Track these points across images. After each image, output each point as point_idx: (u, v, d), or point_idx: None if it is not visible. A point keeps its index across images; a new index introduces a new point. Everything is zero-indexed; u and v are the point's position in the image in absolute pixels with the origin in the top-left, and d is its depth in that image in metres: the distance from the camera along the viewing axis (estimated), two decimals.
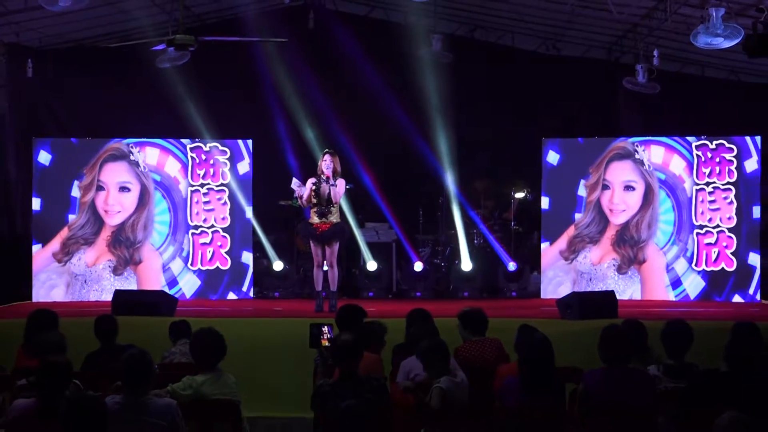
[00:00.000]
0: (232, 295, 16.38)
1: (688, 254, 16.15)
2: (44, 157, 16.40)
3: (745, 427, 5.58)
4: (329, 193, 13.54)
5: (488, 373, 8.88)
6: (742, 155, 15.98)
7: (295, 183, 13.75)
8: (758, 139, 16.05)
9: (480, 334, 9.65)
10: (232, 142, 16.51)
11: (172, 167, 16.44)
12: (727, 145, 16.06)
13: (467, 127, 17.65)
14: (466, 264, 16.99)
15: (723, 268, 16.05)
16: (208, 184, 16.39)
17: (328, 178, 13.56)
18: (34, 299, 16.00)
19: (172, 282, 16.29)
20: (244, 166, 16.41)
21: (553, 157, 16.46)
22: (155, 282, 16.16)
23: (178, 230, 16.40)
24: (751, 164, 15.95)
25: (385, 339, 9.65)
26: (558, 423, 7.82)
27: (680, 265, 16.19)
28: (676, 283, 16.18)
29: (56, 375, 7.34)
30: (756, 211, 15.96)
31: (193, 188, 16.40)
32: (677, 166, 16.21)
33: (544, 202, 16.50)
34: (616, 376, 7.92)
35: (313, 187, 13.56)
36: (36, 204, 16.41)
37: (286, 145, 17.64)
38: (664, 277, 16.22)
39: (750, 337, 8.94)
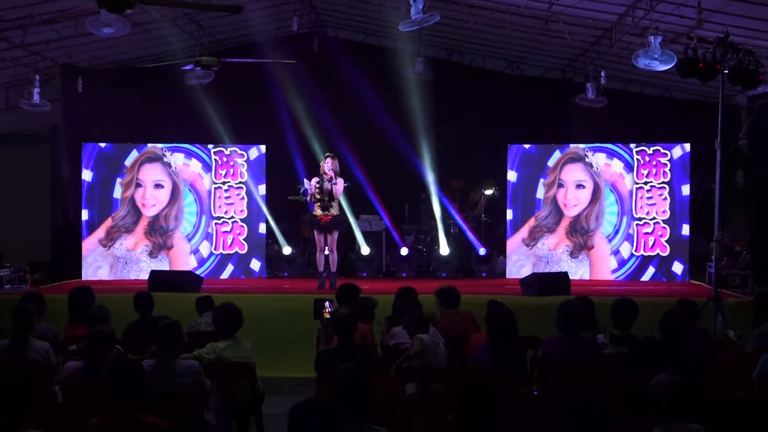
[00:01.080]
0: (248, 275, 16.34)
1: (629, 242, 16.16)
2: (92, 160, 16.38)
3: (676, 386, 5.57)
4: (331, 190, 13.54)
5: (462, 341, 8.88)
6: (673, 158, 16.04)
7: (306, 183, 13.79)
8: (687, 145, 16.08)
9: (453, 307, 9.64)
10: (248, 146, 16.48)
11: (199, 167, 16.41)
12: (662, 150, 16.10)
13: (445, 134, 17.60)
14: (444, 249, 16.98)
15: (658, 253, 16.08)
16: (229, 182, 16.38)
17: (330, 178, 13.56)
18: (83, 278, 15.97)
19: (199, 263, 16.27)
20: (260, 166, 16.40)
21: (520, 151, 16.46)
22: (184, 264, 16.15)
23: (203, 220, 16.37)
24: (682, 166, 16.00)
25: (375, 312, 9.64)
26: (520, 382, 7.83)
27: (622, 251, 16.20)
28: (619, 266, 16.19)
29: (101, 341, 7.35)
30: (685, 228, 16.01)
31: (215, 185, 16.38)
32: (620, 168, 16.22)
33: (511, 176, 16.45)
34: (570, 343, 7.93)
35: (317, 186, 13.56)
36: (88, 186, 16.47)
37: (294, 149, 17.61)
38: (609, 261, 16.24)
39: (685, 312, 8.98)
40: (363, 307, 9.20)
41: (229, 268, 16.36)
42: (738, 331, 9.97)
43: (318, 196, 13.63)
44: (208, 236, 16.35)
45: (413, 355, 7.97)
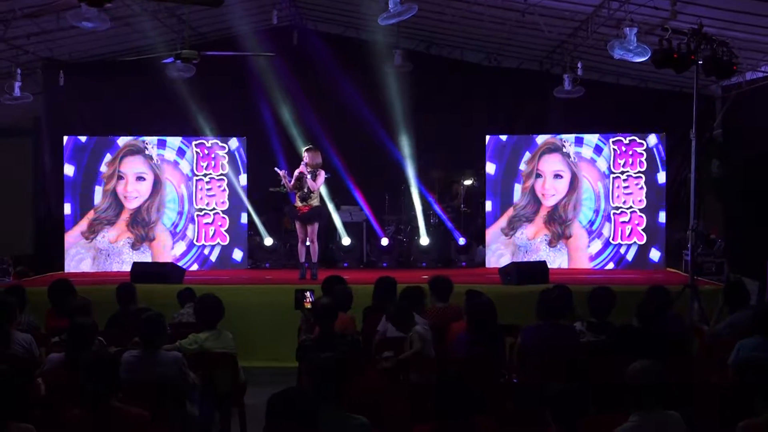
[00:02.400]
0: (230, 266, 16.30)
1: (606, 230, 16.19)
2: (74, 153, 16.28)
3: (652, 372, 5.58)
4: (307, 183, 13.51)
5: (443, 329, 8.87)
6: (649, 147, 16.06)
7: (279, 171, 13.78)
8: (662, 134, 16.12)
9: (444, 300, 9.60)
10: (229, 138, 16.42)
11: (180, 159, 16.33)
12: (638, 140, 16.12)
13: (424, 125, 17.59)
14: (424, 239, 16.98)
15: (635, 242, 16.11)
16: (210, 174, 16.30)
17: (312, 171, 13.52)
18: (66, 270, 15.89)
19: (181, 255, 16.20)
20: (240, 158, 16.35)
21: (497, 142, 16.45)
22: (166, 255, 16.07)
23: (185, 212, 16.31)
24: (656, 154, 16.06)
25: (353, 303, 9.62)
26: (499, 369, 7.85)
27: (599, 240, 16.23)
28: (596, 254, 16.22)
29: (83, 333, 7.32)
30: (662, 216, 16.05)
31: (197, 177, 16.30)
32: (596, 157, 16.24)
33: (490, 168, 16.45)
34: (548, 330, 7.96)
35: (300, 176, 13.54)
36: (69, 181, 16.33)
37: (275, 141, 17.57)
38: (586, 250, 16.26)
39: (658, 299, 9.00)
40: (341, 298, 9.18)
41: (211, 259, 16.28)
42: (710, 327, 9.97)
43: (298, 188, 13.60)
44: (189, 228, 16.27)
45: (417, 352, 7.94)
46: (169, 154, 16.32)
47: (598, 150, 16.21)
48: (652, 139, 16.08)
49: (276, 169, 14.03)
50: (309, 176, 13.47)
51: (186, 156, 16.31)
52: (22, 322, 8.97)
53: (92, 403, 5.86)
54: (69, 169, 16.26)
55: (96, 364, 6.00)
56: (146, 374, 7.13)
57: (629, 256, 16.09)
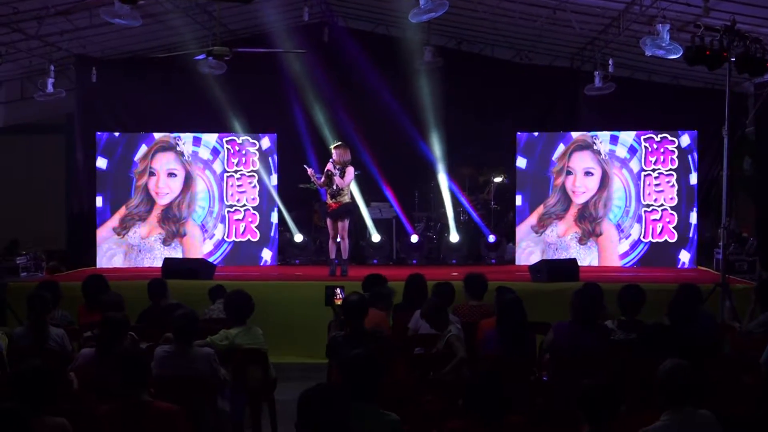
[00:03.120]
0: (261, 262, 16.34)
1: (637, 228, 16.10)
2: (106, 149, 16.37)
3: (683, 371, 5.54)
4: (336, 180, 13.48)
5: (472, 326, 8.84)
6: (681, 146, 15.95)
7: (308, 169, 13.79)
8: (695, 133, 16.00)
9: (478, 298, 9.55)
10: (260, 135, 16.45)
11: (211, 156, 16.38)
12: (670, 138, 16.01)
13: (455, 122, 17.58)
14: (454, 236, 16.97)
15: (666, 240, 16.00)
16: (240, 170, 16.33)
17: (340, 168, 13.49)
18: (98, 266, 15.98)
19: (212, 251, 16.25)
20: (271, 155, 16.37)
21: (529, 138, 16.40)
22: (197, 251, 16.12)
23: (215, 208, 16.36)
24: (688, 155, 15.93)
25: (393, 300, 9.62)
26: (530, 368, 7.82)
27: (631, 237, 16.14)
28: (627, 252, 16.14)
29: (115, 328, 7.35)
30: (693, 216, 15.94)
31: (228, 174, 16.33)
32: (628, 155, 16.14)
33: (521, 163, 16.43)
34: (580, 328, 7.92)
35: (328, 174, 13.53)
36: (100, 174, 16.40)
37: (305, 137, 17.58)
38: (617, 247, 16.18)
39: (689, 297, 8.94)
40: (381, 296, 9.18)
41: (242, 255, 16.32)
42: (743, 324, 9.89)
43: (328, 184, 13.59)
44: (220, 224, 16.32)
45: (461, 362, 7.87)
46: (201, 151, 16.35)
47: (630, 148, 16.11)
48: (685, 138, 15.95)
49: (305, 166, 14.04)
50: (337, 173, 13.45)
51: (217, 153, 16.35)
52: (56, 317, 9.04)
53: (123, 398, 5.89)
54: (102, 163, 16.33)
55: (127, 359, 6.03)
56: (178, 369, 7.16)
57: (659, 255, 15.96)
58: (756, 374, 7.41)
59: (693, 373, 5.55)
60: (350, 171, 13.61)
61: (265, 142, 16.35)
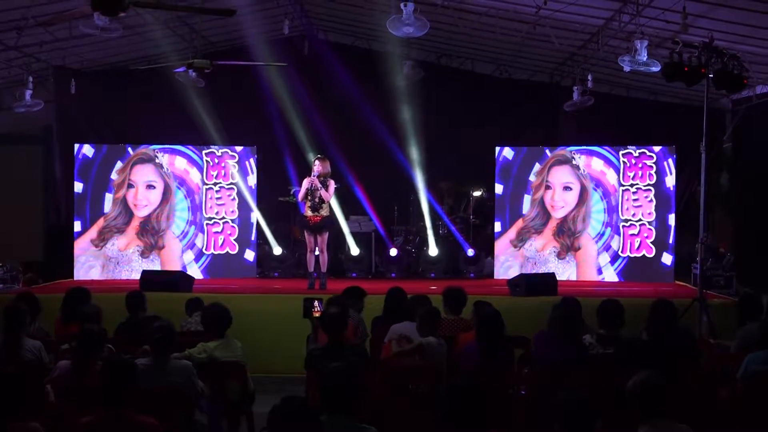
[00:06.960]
0: (242, 267, 16.32)
1: (615, 243, 16.17)
2: (84, 160, 16.33)
3: (654, 383, 5.55)
4: (319, 193, 13.48)
5: (451, 340, 8.85)
6: (660, 162, 16.02)
7: (295, 191, 13.77)
8: (673, 148, 16.08)
9: (456, 312, 9.54)
10: (239, 147, 16.44)
11: (190, 168, 16.36)
12: (648, 153, 16.09)
13: (434, 136, 17.61)
14: (433, 250, 16.98)
15: (644, 255, 16.07)
16: (220, 183, 16.33)
17: (322, 180, 13.48)
18: (75, 278, 15.91)
19: (190, 263, 16.22)
20: (250, 168, 16.36)
21: (505, 160, 16.45)
22: (176, 264, 16.09)
23: (194, 221, 16.33)
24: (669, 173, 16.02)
25: (365, 301, 9.66)
26: (508, 381, 7.83)
27: (608, 252, 16.21)
28: (605, 267, 16.20)
29: (92, 340, 7.32)
30: (671, 219, 16.01)
31: (207, 186, 16.33)
32: (606, 170, 16.22)
33: (498, 189, 16.48)
34: (559, 341, 7.93)
35: (309, 187, 13.51)
36: (78, 197, 16.34)
37: (285, 150, 17.59)
38: (595, 262, 16.24)
39: (666, 312, 8.96)
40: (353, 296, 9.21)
41: (221, 267, 16.29)
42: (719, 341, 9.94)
43: (308, 198, 13.57)
44: (199, 237, 16.29)
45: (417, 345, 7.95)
46: (180, 163, 16.34)
47: (607, 162, 16.19)
48: (662, 152, 16.03)
49: (294, 188, 13.98)
50: (321, 187, 13.43)
51: (196, 165, 16.33)
52: (33, 329, 8.99)
53: (103, 410, 5.87)
54: (78, 186, 16.28)
55: (117, 370, 6.01)
56: (156, 382, 7.13)
57: (638, 268, 16.02)
58: (732, 388, 7.45)
59: (664, 385, 5.57)
60: (332, 184, 13.62)
61: (245, 154, 16.34)
